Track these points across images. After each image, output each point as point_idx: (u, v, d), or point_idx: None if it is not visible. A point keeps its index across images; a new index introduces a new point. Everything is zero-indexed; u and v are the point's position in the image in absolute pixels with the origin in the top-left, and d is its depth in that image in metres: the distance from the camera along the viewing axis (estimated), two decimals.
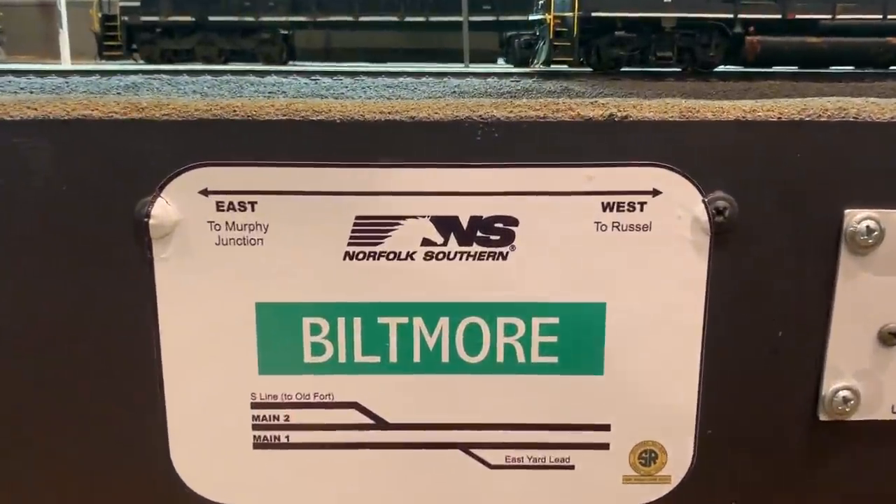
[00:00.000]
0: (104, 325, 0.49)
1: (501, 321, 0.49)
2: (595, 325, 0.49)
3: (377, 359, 0.50)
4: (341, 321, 0.49)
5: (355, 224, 0.48)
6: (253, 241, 0.48)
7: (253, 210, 0.48)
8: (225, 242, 0.48)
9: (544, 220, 0.48)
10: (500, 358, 0.50)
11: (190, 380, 0.50)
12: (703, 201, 0.47)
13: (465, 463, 0.52)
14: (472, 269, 0.49)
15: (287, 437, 0.51)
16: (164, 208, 0.47)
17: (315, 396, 0.50)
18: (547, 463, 0.52)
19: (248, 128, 0.47)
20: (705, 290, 0.49)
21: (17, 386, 0.50)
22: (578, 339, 0.50)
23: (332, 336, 0.50)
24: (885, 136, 0.47)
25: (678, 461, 0.51)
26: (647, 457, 0.51)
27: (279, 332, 0.49)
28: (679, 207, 0.48)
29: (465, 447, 0.51)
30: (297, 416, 0.51)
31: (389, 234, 0.48)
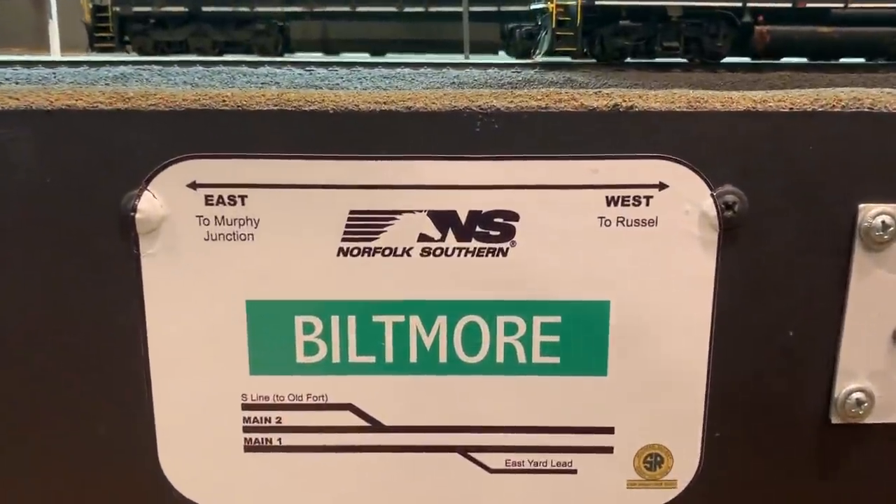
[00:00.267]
0: (89, 324, 0.49)
1: (501, 320, 0.49)
2: (598, 325, 0.49)
3: (372, 359, 0.50)
4: (335, 320, 0.49)
5: (349, 218, 0.48)
6: (243, 237, 0.48)
7: (243, 204, 0.47)
8: (214, 238, 0.48)
9: (546, 215, 0.47)
10: (499, 358, 0.50)
11: (178, 380, 0.50)
12: (712, 195, 0.47)
13: (464, 467, 0.51)
14: (470, 266, 0.48)
15: (279, 439, 0.51)
16: (150, 202, 0.47)
17: (308, 398, 0.50)
18: (548, 467, 0.51)
19: (238, 118, 0.46)
20: (713, 288, 0.48)
21: None
22: (581, 338, 0.49)
23: (326, 335, 0.49)
24: None
25: (685, 465, 0.51)
26: (653, 461, 0.51)
27: (271, 331, 0.49)
28: (686, 202, 0.47)
29: (464, 451, 0.51)
30: (290, 417, 0.50)
31: (385, 229, 0.48)
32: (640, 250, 0.48)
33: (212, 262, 0.48)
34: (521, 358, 0.50)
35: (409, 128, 0.47)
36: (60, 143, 0.47)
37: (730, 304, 0.49)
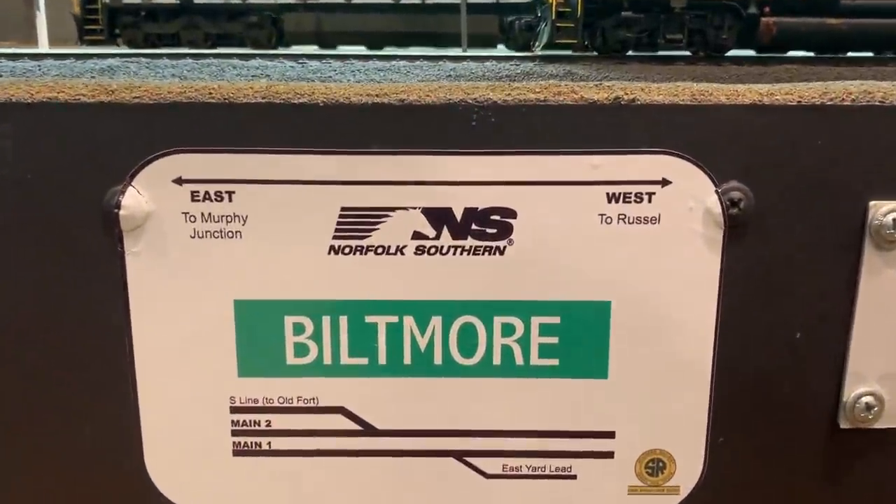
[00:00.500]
0: (72, 324, 0.49)
1: (498, 321, 0.49)
2: (599, 326, 0.49)
3: (365, 360, 0.50)
4: (326, 320, 0.49)
5: (341, 216, 0.47)
6: (230, 234, 0.48)
7: (230, 200, 0.47)
8: (201, 235, 0.48)
9: (544, 212, 0.47)
10: (496, 360, 0.49)
11: (165, 382, 0.50)
12: (717, 192, 0.47)
13: (460, 472, 0.51)
14: (466, 265, 0.48)
15: (268, 443, 0.51)
16: (135, 198, 0.47)
17: (298, 400, 0.50)
18: (547, 472, 0.51)
19: (225, 112, 0.46)
20: (718, 288, 0.48)
21: None
22: (581, 340, 0.49)
23: (317, 336, 0.49)
24: None
25: (688, 471, 0.51)
26: (655, 466, 0.51)
27: (259, 332, 0.49)
28: (690, 198, 0.47)
29: (460, 455, 0.51)
30: (280, 421, 0.50)
31: (377, 226, 0.47)
32: (642, 249, 0.48)
33: (198, 261, 0.48)
34: (519, 360, 0.49)
35: (402, 122, 0.46)
36: (42, 137, 0.47)
37: (735, 305, 0.48)
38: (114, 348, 0.49)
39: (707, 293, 0.48)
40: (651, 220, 0.47)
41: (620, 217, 0.47)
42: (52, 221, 0.47)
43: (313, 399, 0.50)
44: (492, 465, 0.51)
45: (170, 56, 0.84)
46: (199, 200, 0.47)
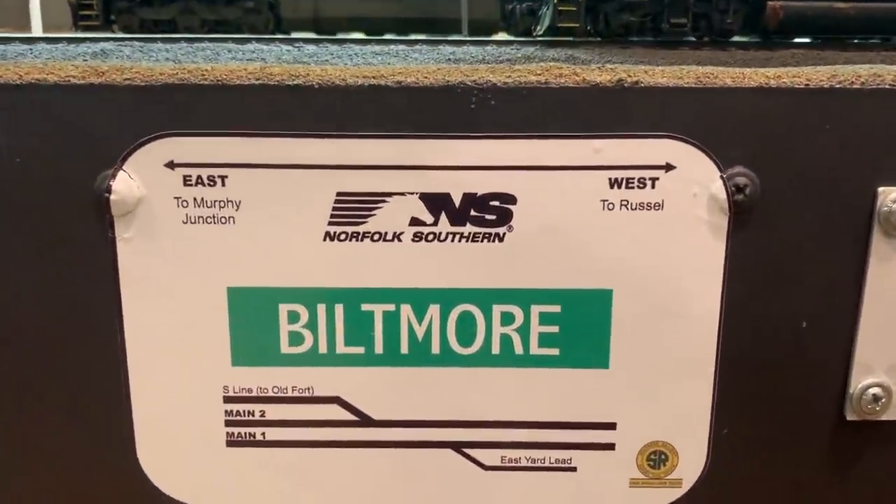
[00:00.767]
0: (62, 312, 0.49)
1: (497, 309, 0.49)
2: (600, 314, 0.49)
3: (361, 350, 0.49)
4: (321, 308, 0.49)
5: (336, 201, 0.47)
6: (224, 220, 0.47)
7: (223, 185, 0.47)
8: (193, 220, 0.47)
9: (545, 198, 0.47)
10: (495, 349, 0.49)
11: (157, 371, 0.50)
12: (722, 177, 0.47)
13: (458, 464, 0.51)
14: (465, 252, 0.48)
15: (263, 434, 0.51)
16: (126, 183, 0.47)
17: (293, 390, 0.50)
18: (547, 464, 0.51)
19: (218, 94, 0.46)
20: (722, 276, 0.48)
21: None
22: (582, 329, 0.49)
23: (312, 325, 0.49)
24: None
25: (690, 463, 0.51)
26: (657, 458, 0.51)
27: (253, 320, 0.49)
28: (695, 184, 0.47)
29: (458, 447, 0.51)
30: (274, 411, 0.50)
31: (374, 212, 0.47)
32: (644, 235, 0.47)
33: (191, 247, 0.48)
34: (519, 349, 0.49)
35: (399, 104, 0.46)
36: (30, 119, 0.46)
37: (740, 294, 0.48)
38: (105, 337, 0.49)
39: (711, 281, 0.48)
40: (654, 206, 0.47)
41: (623, 203, 0.47)
42: (40, 206, 0.47)
43: (308, 389, 0.50)
44: (490, 456, 0.51)
45: (164, 40, 0.84)
46: (191, 185, 0.47)
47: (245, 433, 0.51)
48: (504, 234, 0.47)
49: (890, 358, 0.49)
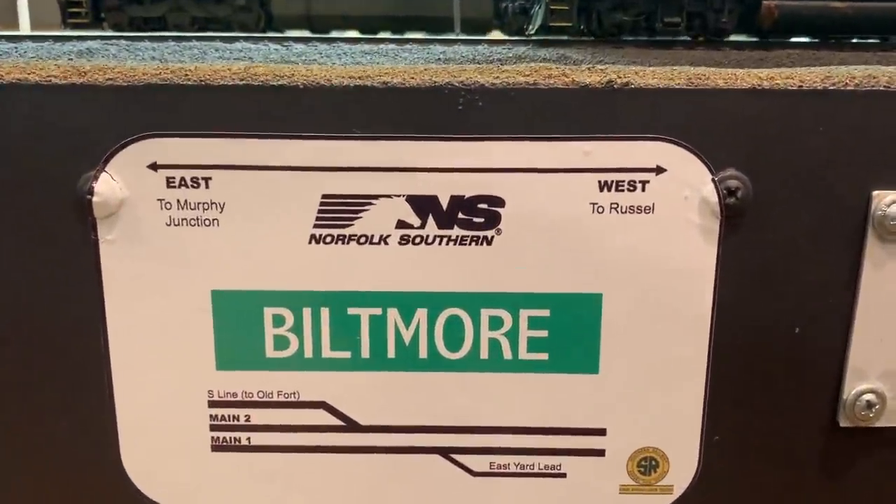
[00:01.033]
0: (44, 315, 0.49)
1: (486, 313, 0.49)
2: (590, 319, 0.49)
3: (347, 354, 0.49)
4: (307, 312, 0.49)
5: (322, 203, 0.47)
6: (207, 222, 0.47)
7: (207, 186, 0.47)
8: (177, 223, 0.47)
9: (534, 201, 0.47)
10: (483, 354, 0.49)
11: (141, 375, 0.50)
12: (713, 180, 0.46)
13: (446, 470, 0.51)
14: (452, 255, 0.48)
15: (248, 438, 0.51)
16: (108, 184, 0.46)
17: (279, 395, 0.50)
18: (536, 470, 0.51)
19: (202, 94, 0.46)
20: (714, 280, 0.48)
21: None
22: (571, 333, 0.49)
23: (297, 328, 0.49)
24: None
25: (682, 470, 0.51)
26: (647, 464, 0.51)
27: (238, 324, 0.49)
28: (686, 187, 0.47)
29: (446, 452, 0.51)
30: (259, 416, 0.50)
31: (360, 214, 0.47)
32: (635, 239, 0.47)
33: (174, 249, 0.48)
34: (507, 354, 0.49)
35: (386, 105, 0.46)
36: (11, 120, 0.46)
37: (731, 298, 0.48)
38: (88, 340, 0.49)
39: (702, 286, 0.48)
40: (645, 209, 0.47)
41: (613, 206, 0.47)
42: (22, 208, 0.47)
43: (294, 393, 0.50)
44: (479, 462, 0.51)
45: (151, 38, 0.83)
46: (174, 187, 0.47)
47: (230, 438, 0.50)
48: (492, 237, 0.47)
49: (884, 364, 0.49)
